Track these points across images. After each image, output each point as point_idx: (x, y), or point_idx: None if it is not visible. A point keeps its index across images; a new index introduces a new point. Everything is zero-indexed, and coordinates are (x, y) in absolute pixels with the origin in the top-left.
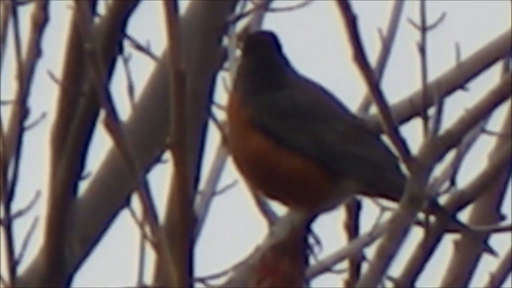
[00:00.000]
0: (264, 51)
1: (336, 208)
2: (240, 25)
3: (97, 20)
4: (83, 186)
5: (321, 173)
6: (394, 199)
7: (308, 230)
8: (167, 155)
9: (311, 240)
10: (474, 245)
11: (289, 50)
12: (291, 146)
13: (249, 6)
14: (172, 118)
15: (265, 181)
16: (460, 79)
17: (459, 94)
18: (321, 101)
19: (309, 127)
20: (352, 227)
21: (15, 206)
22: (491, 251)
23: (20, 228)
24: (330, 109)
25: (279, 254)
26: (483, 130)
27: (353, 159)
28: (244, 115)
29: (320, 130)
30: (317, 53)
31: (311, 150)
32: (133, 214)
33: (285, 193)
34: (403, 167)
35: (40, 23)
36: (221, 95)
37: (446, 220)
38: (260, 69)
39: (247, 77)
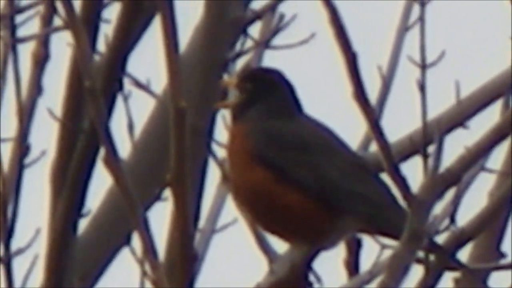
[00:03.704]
0: (282, 91)
1: (336, 245)
2: (240, 62)
3: (97, 57)
4: (83, 224)
5: (321, 209)
6: (393, 236)
7: (308, 267)
8: (167, 193)
9: (311, 278)
10: (474, 283)
11: None
12: (291, 180)
13: (249, 43)
14: (172, 156)
15: (264, 215)
16: (460, 116)
17: (459, 132)
18: (323, 137)
19: (310, 161)
20: (352, 265)
21: (15, 244)
22: None
23: (20, 265)
24: (331, 145)
25: None
26: (483, 168)
27: (353, 196)
28: (246, 147)
29: (320, 165)
30: (317, 91)
31: (311, 184)
32: (133, 251)
33: (284, 228)
34: (403, 205)
35: (41, 60)
36: (221, 132)
37: (445, 258)
38: (274, 108)
39: (257, 110)
